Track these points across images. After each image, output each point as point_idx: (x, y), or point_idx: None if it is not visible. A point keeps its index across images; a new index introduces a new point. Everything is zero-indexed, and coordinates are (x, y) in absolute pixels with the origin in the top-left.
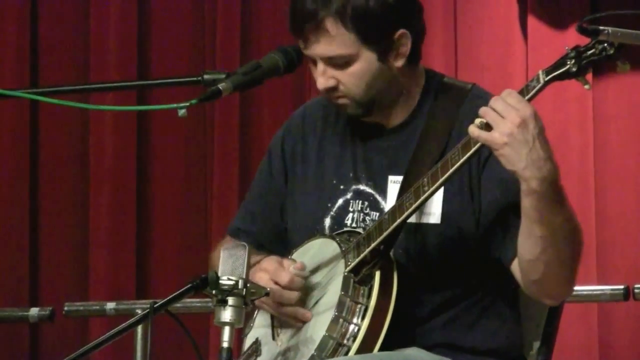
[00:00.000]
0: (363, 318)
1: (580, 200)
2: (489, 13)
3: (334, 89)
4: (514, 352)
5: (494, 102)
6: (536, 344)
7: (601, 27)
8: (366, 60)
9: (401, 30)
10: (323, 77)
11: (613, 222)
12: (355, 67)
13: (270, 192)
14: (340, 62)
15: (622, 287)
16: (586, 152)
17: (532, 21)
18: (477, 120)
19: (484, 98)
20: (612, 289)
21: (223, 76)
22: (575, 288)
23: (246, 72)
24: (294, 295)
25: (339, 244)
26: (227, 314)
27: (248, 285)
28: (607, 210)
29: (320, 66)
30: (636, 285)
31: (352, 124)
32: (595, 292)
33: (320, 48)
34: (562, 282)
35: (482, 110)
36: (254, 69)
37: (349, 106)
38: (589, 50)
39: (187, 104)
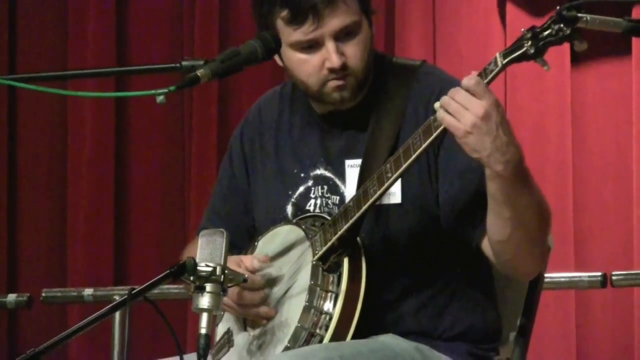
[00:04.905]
0: (334, 306)
1: (559, 188)
2: (467, 2)
3: (342, 67)
4: (488, 336)
5: (456, 93)
6: (513, 331)
7: (579, 15)
8: (365, 27)
9: None
10: (337, 54)
11: (591, 210)
12: (360, 36)
13: (233, 190)
14: (350, 32)
15: (599, 274)
16: (564, 140)
17: (510, 9)
18: (436, 105)
19: (434, 74)
20: (589, 276)
21: (201, 63)
22: (553, 275)
23: (225, 59)
24: (256, 295)
25: (304, 231)
26: (204, 301)
27: (226, 271)
28: (585, 198)
29: (331, 45)
30: (613, 273)
31: (307, 112)
32: (573, 279)
33: (338, 19)
34: (534, 258)
35: (444, 100)
36: (232, 56)
37: (348, 87)
38: (545, 30)
39: (166, 90)
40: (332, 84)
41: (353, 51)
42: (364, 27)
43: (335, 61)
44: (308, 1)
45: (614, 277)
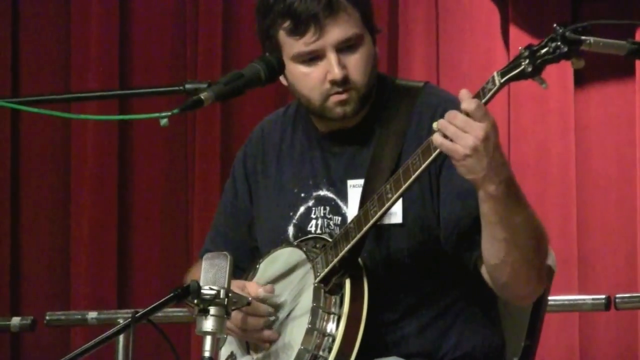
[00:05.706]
0: (337, 328)
1: (562, 210)
2: (470, 22)
3: (344, 80)
4: (491, 357)
5: (453, 116)
6: (517, 354)
7: (583, 37)
8: (368, 42)
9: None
10: (338, 66)
11: (595, 232)
12: (362, 50)
13: (236, 212)
14: (352, 45)
15: (603, 296)
16: (568, 162)
17: (513, 30)
18: (435, 125)
19: (436, 95)
20: (593, 299)
21: (205, 86)
22: (557, 297)
23: (228, 81)
24: (260, 321)
25: (306, 253)
26: (208, 324)
27: (230, 294)
28: (588, 220)
29: (333, 56)
30: (617, 295)
31: (309, 133)
32: (576, 302)
33: (339, 31)
34: (530, 281)
35: (441, 124)
36: (235, 79)
37: (350, 102)
38: (543, 49)
39: (169, 113)
40: (335, 98)
41: (355, 64)
42: (367, 42)
43: (336, 73)
44: (309, 11)
45: (617, 300)
